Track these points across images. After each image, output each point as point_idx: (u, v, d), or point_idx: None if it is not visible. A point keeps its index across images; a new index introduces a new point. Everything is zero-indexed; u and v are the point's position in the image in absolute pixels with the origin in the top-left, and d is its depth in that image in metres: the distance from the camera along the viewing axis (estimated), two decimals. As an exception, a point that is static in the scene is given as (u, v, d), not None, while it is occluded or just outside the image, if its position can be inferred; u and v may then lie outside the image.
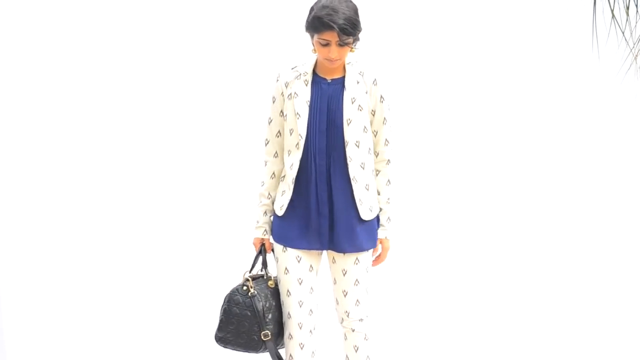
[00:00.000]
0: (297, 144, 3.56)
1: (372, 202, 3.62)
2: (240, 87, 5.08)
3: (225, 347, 3.61)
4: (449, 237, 5.20)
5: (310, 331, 3.64)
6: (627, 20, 3.66)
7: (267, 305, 3.59)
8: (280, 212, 3.61)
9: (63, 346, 4.96)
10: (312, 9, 3.48)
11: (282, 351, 3.66)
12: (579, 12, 4.76)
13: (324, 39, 3.44)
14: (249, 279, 3.62)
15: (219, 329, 3.59)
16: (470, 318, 5.13)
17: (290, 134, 3.57)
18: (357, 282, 3.62)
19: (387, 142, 3.64)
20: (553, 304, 5.16)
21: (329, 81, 3.57)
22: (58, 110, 5.05)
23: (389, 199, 3.67)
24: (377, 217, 3.66)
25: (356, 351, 3.66)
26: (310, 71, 3.58)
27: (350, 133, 3.53)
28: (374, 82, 3.58)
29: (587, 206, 5.21)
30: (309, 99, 3.55)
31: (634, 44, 3.68)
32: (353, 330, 3.65)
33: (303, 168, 3.56)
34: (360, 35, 3.53)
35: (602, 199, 5.22)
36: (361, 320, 3.64)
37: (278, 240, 3.65)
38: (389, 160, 3.66)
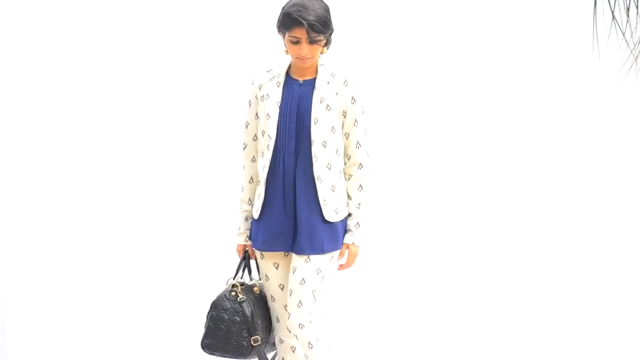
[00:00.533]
0: (268, 145, 3.54)
1: (339, 204, 3.56)
2: (221, 91, 5.06)
3: (213, 354, 3.58)
4: (447, 238, 5.20)
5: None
6: (627, 21, 3.66)
7: (255, 311, 3.57)
8: (256, 216, 3.59)
9: (63, 346, 4.96)
10: (282, 8, 3.50)
11: (269, 355, 3.63)
12: (580, 13, 4.76)
13: (294, 37, 3.44)
14: (237, 284, 3.61)
15: (206, 335, 3.57)
16: (467, 319, 5.13)
17: (263, 136, 3.56)
18: (303, 282, 3.51)
19: (358, 145, 3.58)
20: (552, 304, 5.16)
21: (301, 82, 3.57)
22: (56, 111, 5.05)
23: (359, 204, 3.59)
24: (344, 222, 3.60)
25: (293, 352, 3.61)
26: (283, 73, 3.58)
27: (317, 132, 3.51)
28: (345, 83, 3.55)
29: (587, 207, 5.21)
30: (279, 99, 3.54)
31: (635, 45, 3.68)
32: (295, 336, 3.55)
33: (273, 169, 3.54)
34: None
35: (602, 200, 5.22)
36: (301, 326, 3.51)
37: (257, 245, 3.62)
38: (360, 164, 3.59)
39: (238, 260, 3.71)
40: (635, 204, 5.21)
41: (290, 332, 3.56)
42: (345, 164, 3.61)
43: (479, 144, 5.21)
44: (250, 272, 3.69)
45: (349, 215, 3.61)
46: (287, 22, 3.44)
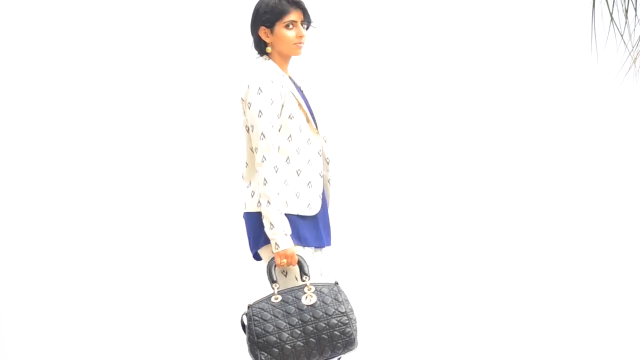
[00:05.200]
0: (309, 139, 3.51)
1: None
2: (219, 92, 5.08)
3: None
4: (446, 238, 5.21)
5: None
6: (625, 23, 3.66)
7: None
8: (311, 212, 3.46)
9: (60, 346, 4.96)
10: (261, 2, 3.48)
11: None
12: (578, 15, 4.76)
13: (290, 20, 3.45)
14: (308, 285, 3.33)
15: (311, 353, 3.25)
16: (465, 319, 5.13)
17: (301, 131, 3.49)
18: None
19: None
20: (551, 304, 5.16)
21: (294, 81, 3.59)
22: (54, 111, 5.06)
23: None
24: None
25: None
26: (280, 72, 3.52)
27: (321, 128, 3.58)
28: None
29: (586, 208, 5.22)
30: (300, 97, 3.54)
31: (633, 47, 3.68)
32: None
33: (318, 162, 3.53)
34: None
35: (601, 202, 5.22)
36: None
37: (313, 243, 3.47)
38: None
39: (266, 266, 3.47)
40: (634, 204, 5.22)
41: None
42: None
43: (478, 145, 5.21)
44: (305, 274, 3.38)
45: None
46: (282, 7, 3.44)
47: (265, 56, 3.52)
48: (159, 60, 5.10)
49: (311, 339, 3.28)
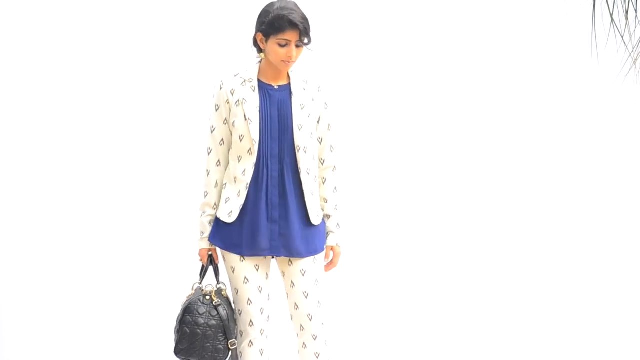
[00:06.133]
0: (250, 149, 3.55)
1: (317, 207, 3.64)
2: (182, 96, 5.06)
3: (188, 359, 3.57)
4: (445, 238, 5.20)
5: (267, 337, 3.66)
6: (626, 24, 3.66)
7: (229, 314, 3.59)
8: (229, 219, 3.58)
9: (59, 346, 4.96)
10: (266, 12, 3.52)
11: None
12: (578, 16, 4.77)
13: (284, 39, 3.48)
14: (211, 287, 3.62)
15: (181, 341, 3.56)
16: (464, 319, 5.13)
17: (241, 140, 3.56)
18: (316, 282, 3.61)
19: (332, 149, 3.69)
20: (550, 304, 5.16)
21: (276, 87, 3.60)
22: (51, 111, 5.05)
23: (336, 205, 3.70)
24: (323, 222, 3.67)
25: (317, 357, 3.61)
26: (255, 77, 3.59)
27: (301, 138, 3.56)
28: (319, 89, 3.64)
29: (586, 210, 5.22)
30: (258, 104, 3.56)
31: (633, 48, 3.68)
32: (315, 338, 3.59)
33: (257, 173, 3.56)
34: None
35: (602, 202, 5.22)
36: (322, 324, 3.61)
37: (232, 249, 3.61)
38: (334, 167, 3.70)
39: (202, 265, 3.69)
40: (635, 204, 5.22)
41: (306, 333, 3.59)
42: (318, 168, 3.68)
43: (478, 146, 5.21)
44: (218, 275, 3.68)
45: (327, 217, 3.70)
46: (280, 24, 3.46)
47: (261, 55, 3.58)
48: (159, 60, 5.10)
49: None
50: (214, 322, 3.55)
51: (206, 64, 5.00)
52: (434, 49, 5.17)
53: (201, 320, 3.55)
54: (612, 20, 3.65)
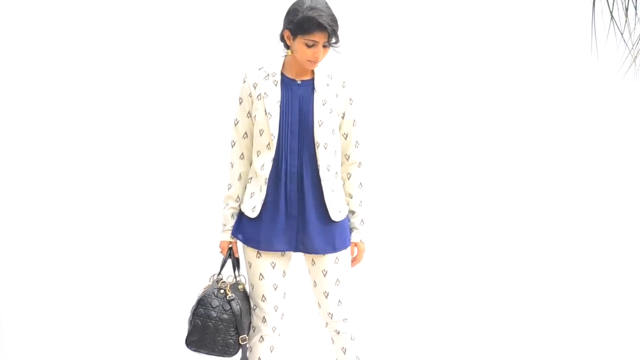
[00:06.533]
0: (269, 144, 3.56)
1: (340, 203, 3.62)
2: (207, 89, 5.07)
3: (198, 352, 3.58)
4: (445, 237, 5.21)
5: (279, 334, 3.67)
6: (626, 21, 3.67)
7: (243, 309, 3.59)
8: (253, 214, 3.59)
9: (59, 346, 4.97)
10: (295, 10, 3.49)
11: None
12: (578, 13, 4.77)
13: (312, 40, 3.47)
14: (225, 281, 3.62)
15: (192, 332, 3.56)
16: (464, 319, 5.14)
17: (261, 135, 3.57)
18: (337, 282, 3.62)
19: (357, 144, 3.67)
20: (550, 304, 5.17)
21: (299, 83, 3.59)
22: (50, 112, 5.06)
23: (361, 201, 3.68)
24: (348, 219, 3.66)
25: (344, 353, 3.66)
26: (278, 72, 3.59)
27: (321, 135, 3.55)
28: (343, 85, 3.61)
29: (585, 205, 5.22)
30: (279, 99, 3.56)
31: (633, 46, 3.69)
32: (338, 333, 3.65)
33: (275, 168, 3.56)
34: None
35: (601, 198, 5.23)
36: (345, 320, 3.64)
37: (250, 243, 3.62)
38: (360, 162, 3.68)
39: (222, 257, 3.71)
40: (634, 202, 5.22)
41: (331, 329, 3.65)
42: (343, 164, 3.65)
43: (478, 142, 5.21)
44: (238, 269, 3.69)
45: (352, 213, 3.68)
46: (309, 26, 3.44)
47: (288, 52, 3.57)
48: (160, 60, 5.10)
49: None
50: (226, 316, 3.55)
51: (229, 57, 5.00)
52: (434, 47, 5.18)
53: (213, 314, 3.55)
54: (612, 17, 3.65)
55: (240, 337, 3.56)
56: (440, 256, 5.19)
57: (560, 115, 5.21)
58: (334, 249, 3.61)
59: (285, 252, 3.65)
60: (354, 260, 3.72)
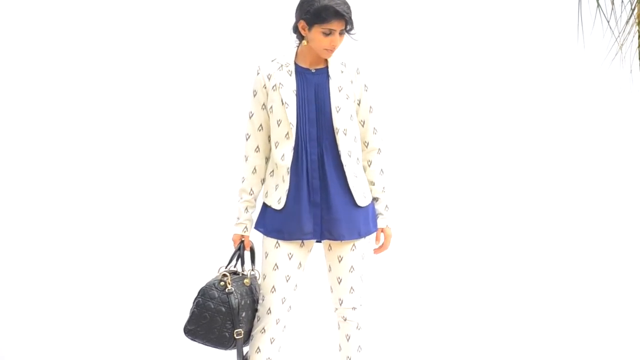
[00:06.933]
0: (287, 133, 3.56)
1: (363, 188, 3.62)
2: (220, 83, 5.06)
3: (194, 340, 3.58)
4: (446, 234, 5.21)
5: (284, 327, 3.66)
6: (612, 9, 3.66)
7: (242, 303, 3.57)
8: (279, 206, 3.59)
9: (57, 346, 4.96)
10: (310, 0, 3.49)
11: (245, 347, 3.63)
12: (565, 1, 4.76)
13: (329, 28, 3.48)
14: (227, 274, 3.60)
15: (190, 321, 3.56)
16: (467, 315, 5.14)
17: (279, 125, 3.57)
18: (352, 269, 3.62)
19: (375, 131, 3.66)
20: (552, 304, 5.17)
21: (313, 71, 3.59)
22: (54, 110, 5.06)
23: (384, 187, 3.67)
24: (372, 205, 3.66)
25: (348, 340, 3.66)
26: (292, 62, 3.59)
27: (339, 121, 3.55)
28: (357, 71, 3.61)
29: (575, 195, 5.23)
30: (294, 88, 3.56)
31: (619, 33, 3.68)
32: (345, 319, 3.64)
33: (296, 158, 3.56)
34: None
35: (590, 187, 5.24)
36: (354, 308, 3.64)
37: (274, 235, 3.61)
38: (379, 149, 3.68)
39: (231, 249, 3.70)
40: (622, 188, 5.23)
41: (339, 315, 3.64)
42: (362, 151, 3.66)
43: (468, 128, 5.22)
44: (243, 263, 3.67)
45: (376, 199, 3.68)
46: (327, 14, 3.46)
47: (303, 43, 3.57)
48: (160, 60, 5.10)
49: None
50: (223, 309, 3.54)
51: (238, 52, 5.02)
52: (425, 36, 5.17)
53: (211, 305, 3.55)
54: (598, 5, 3.65)
55: (235, 331, 3.55)
56: (450, 251, 5.20)
57: (546, 103, 5.21)
58: (358, 234, 3.61)
59: (305, 243, 3.65)
60: (382, 247, 3.71)
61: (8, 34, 4.97)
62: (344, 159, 3.56)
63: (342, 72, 3.58)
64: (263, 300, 3.64)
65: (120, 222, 5.11)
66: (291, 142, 3.55)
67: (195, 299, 3.57)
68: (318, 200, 3.57)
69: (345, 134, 3.56)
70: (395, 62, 5.17)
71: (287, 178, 3.57)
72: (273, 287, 3.62)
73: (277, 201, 3.59)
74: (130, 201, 5.11)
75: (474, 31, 5.17)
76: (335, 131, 3.55)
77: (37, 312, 4.99)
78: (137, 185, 5.11)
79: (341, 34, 3.51)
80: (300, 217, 3.57)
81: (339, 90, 3.56)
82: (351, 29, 3.52)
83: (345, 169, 3.56)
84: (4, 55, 4.99)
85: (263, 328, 3.63)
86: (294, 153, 3.56)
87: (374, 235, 3.69)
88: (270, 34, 4.83)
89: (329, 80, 3.57)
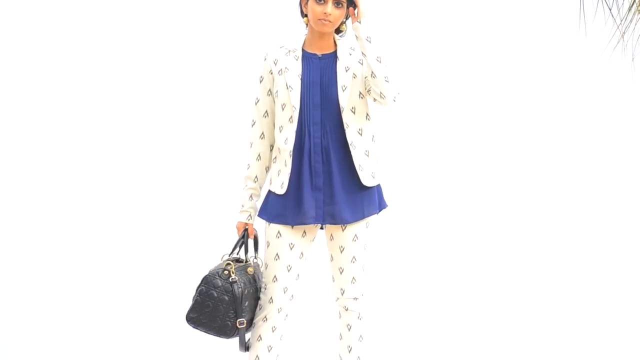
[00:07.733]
0: (291, 117, 3.55)
1: (374, 168, 3.60)
2: (223, 72, 5.06)
3: (196, 328, 3.58)
4: (447, 226, 5.22)
5: (286, 316, 3.66)
6: (614, -3, 3.66)
7: (245, 293, 3.57)
8: (282, 190, 3.57)
9: (57, 345, 4.97)
10: None
11: (247, 334, 3.63)
12: (567, -11, 4.77)
13: None
14: (231, 262, 3.60)
15: (192, 309, 3.56)
16: (468, 306, 5.15)
17: (283, 109, 3.57)
18: (354, 260, 3.63)
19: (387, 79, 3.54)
20: (552, 304, 5.17)
21: (320, 56, 3.58)
22: (55, 110, 5.06)
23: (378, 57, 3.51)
24: (379, 187, 3.64)
25: (349, 330, 3.66)
26: (299, 47, 3.59)
27: (345, 99, 3.53)
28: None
29: (575, 188, 5.23)
30: (300, 72, 3.55)
31: (621, 21, 3.68)
32: (346, 309, 3.65)
33: (298, 141, 3.56)
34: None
35: (592, 178, 5.24)
36: (355, 298, 3.65)
37: (276, 220, 3.61)
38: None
39: (235, 237, 3.69)
40: (622, 180, 5.23)
41: (340, 304, 3.65)
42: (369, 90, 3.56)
43: (468, 119, 5.22)
44: (247, 251, 3.67)
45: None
46: None
47: (305, 20, 3.56)
48: (160, 60, 5.10)
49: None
50: (226, 297, 3.54)
51: (241, 46, 5.03)
52: (422, 33, 5.17)
53: (214, 294, 3.55)
54: (600, -8, 3.64)
55: (238, 320, 3.55)
56: (451, 244, 5.20)
57: (548, 92, 5.21)
58: (362, 215, 3.60)
59: (307, 233, 3.64)
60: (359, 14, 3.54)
61: (8, 34, 4.97)
62: (351, 137, 3.54)
63: (350, 54, 3.58)
64: (265, 289, 3.65)
65: (123, 211, 5.12)
66: (294, 126, 3.55)
67: (199, 287, 3.57)
68: (320, 184, 3.56)
69: (354, 112, 3.55)
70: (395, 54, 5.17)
71: (290, 162, 3.56)
72: (275, 276, 3.62)
73: (280, 186, 3.58)
74: (133, 190, 5.12)
75: (475, 20, 5.16)
76: (341, 109, 3.53)
77: (37, 305, 5.00)
78: (140, 174, 5.12)
79: (338, 7, 3.48)
80: (302, 201, 3.55)
81: (346, 70, 3.55)
82: (343, 1, 3.47)
83: (351, 147, 3.54)
84: (4, 55, 4.98)
85: (265, 316, 3.64)
86: (296, 137, 3.55)
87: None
88: (275, 27, 4.83)
89: (336, 61, 3.56)
